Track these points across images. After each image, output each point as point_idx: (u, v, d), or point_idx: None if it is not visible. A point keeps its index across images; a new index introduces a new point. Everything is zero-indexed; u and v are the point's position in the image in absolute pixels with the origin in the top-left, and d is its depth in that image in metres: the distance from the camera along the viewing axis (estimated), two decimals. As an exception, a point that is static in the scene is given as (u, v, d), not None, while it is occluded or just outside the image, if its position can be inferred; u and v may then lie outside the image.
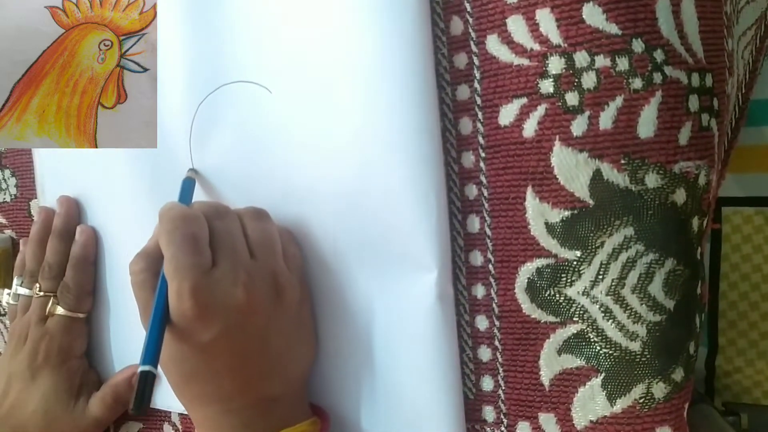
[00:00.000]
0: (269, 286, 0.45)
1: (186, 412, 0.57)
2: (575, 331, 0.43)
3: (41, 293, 0.59)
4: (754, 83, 0.52)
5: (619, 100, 0.40)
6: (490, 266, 0.45)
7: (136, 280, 0.46)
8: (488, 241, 0.45)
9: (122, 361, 0.61)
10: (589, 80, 0.40)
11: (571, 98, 0.40)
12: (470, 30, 0.43)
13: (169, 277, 0.42)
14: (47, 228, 0.61)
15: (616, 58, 0.39)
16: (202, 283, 0.42)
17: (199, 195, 0.53)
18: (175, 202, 0.47)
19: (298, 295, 0.47)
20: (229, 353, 0.44)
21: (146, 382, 0.40)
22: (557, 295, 0.43)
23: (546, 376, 0.44)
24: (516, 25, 0.41)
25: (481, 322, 0.46)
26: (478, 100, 0.43)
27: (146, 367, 0.41)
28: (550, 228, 0.42)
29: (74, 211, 0.62)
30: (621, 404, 0.42)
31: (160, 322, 0.43)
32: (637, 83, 0.39)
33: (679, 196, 0.40)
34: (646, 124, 0.39)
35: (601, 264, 0.41)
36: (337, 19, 0.46)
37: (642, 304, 0.41)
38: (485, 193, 0.44)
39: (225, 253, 0.44)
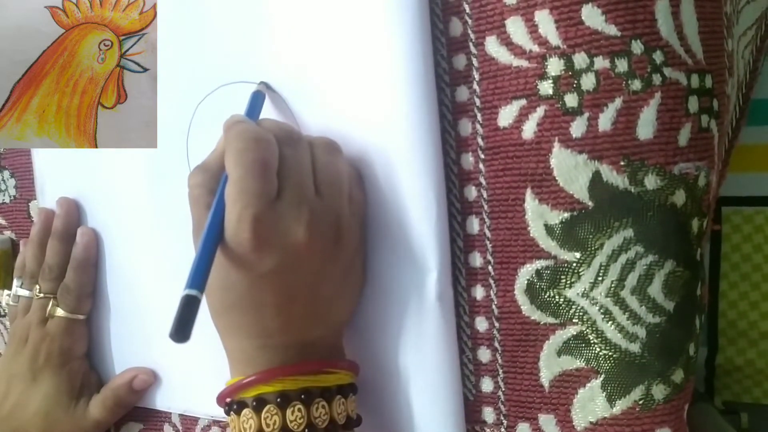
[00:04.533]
0: (331, 228, 0.43)
1: (187, 413, 0.58)
2: (575, 333, 0.43)
3: (41, 295, 0.59)
4: (755, 83, 0.52)
5: (618, 102, 0.39)
6: (490, 268, 0.45)
7: (192, 193, 0.44)
8: (488, 242, 0.45)
9: (123, 362, 0.61)
10: (588, 82, 0.40)
11: (571, 100, 0.40)
12: (469, 31, 0.43)
13: (232, 200, 0.40)
14: (47, 229, 0.61)
15: (616, 60, 0.39)
16: (266, 214, 0.40)
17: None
18: (243, 117, 0.45)
19: (357, 241, 0.46)
20: (277, 290, 0.42)
21: (191, 308, 0.38)
22: (557, 297, 0.43)
23: (546, 377, 0.44)
24: (515, 27, 0.41)
25: (481, 324, 0.46)
26: (478, 102, 0.43)
27: (193, 292, 0.38)
28: (549, 229, 0.42)
29: (74, 212, 0.62)
30: (621, 406, 0.42)
31: (212, 244, 0.40)
32: (636, 84, 0.39)
33: (679, 197, 0.40)
34: (646, 126, 0.39)
35: (601, 265, 0.41)
36: (337, 21, 0.46)
37: (642, 306, 0.41)
38: (485, 195, 0.44)
39: (292, 186, 0.41)
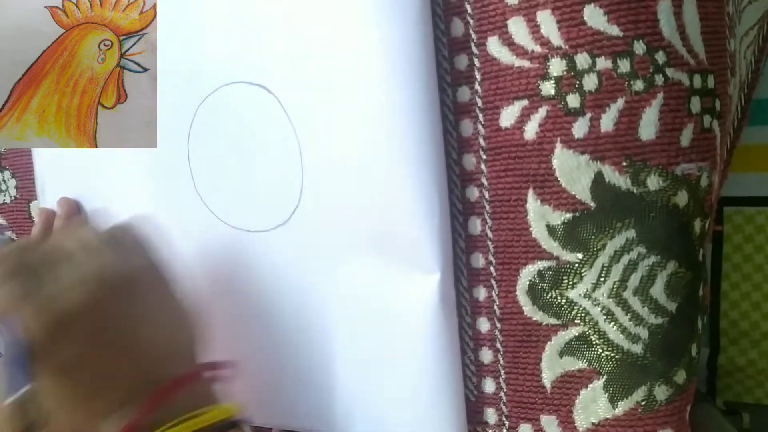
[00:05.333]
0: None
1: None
2: (577, 334, 0.43)
3: (41, 294, 0.59)
4: (757, 83, 0.52)
5: (620, 102, 0.39)
6: (492, 268, 0.45)
7: None
8: (489, 243, 0.44)
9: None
10: (590, 82, 0.40)
11: (573, 100, 0.40)
12: (471, 31, 0.43)
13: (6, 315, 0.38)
14: (48, 229, 0.61)
15: (618, 60, 0.39)
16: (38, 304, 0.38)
17: (194, 197, 0.53)
18: None
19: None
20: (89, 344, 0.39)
21: None
22: (559, 298, 0.43)
23: (548, 378, 0.44)
24: (517, 27, 0.41)
25: (483, 325, 0.46)
26: (479, 102, 0.43)
27: None
28: (551, 230, 0.42)
29: (75, 212, 0.61)
30: (623, 406, 0.42)
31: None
32: (638, 85, 0.39)
33: (681, 198, 0.40)
34: (648, 126, 0.39)
35: (603, 266, 0.41)
36: (338, 21, 0.45)
37: (644, 307, 0.41)
38: (486, 195, 0.44)
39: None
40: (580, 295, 0.42)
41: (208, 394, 0.43)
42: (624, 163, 0.40)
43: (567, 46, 0.40)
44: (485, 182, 0.44)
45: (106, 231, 0.44)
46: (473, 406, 0.47)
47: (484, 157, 0.44)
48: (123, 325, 0.41)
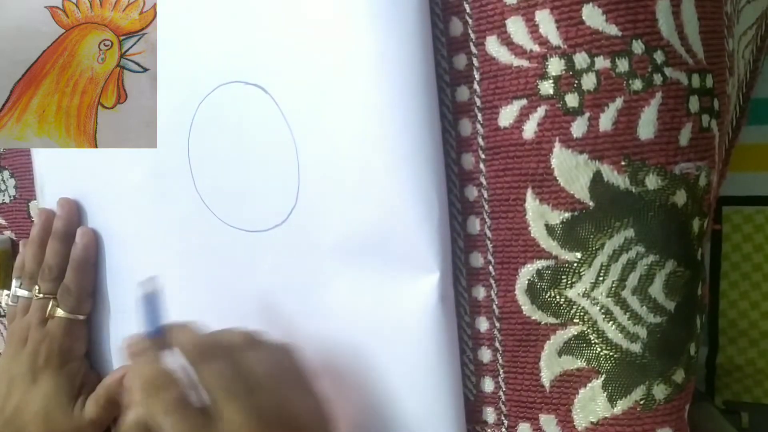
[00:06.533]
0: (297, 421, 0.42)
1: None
2: (576, 333, 0.43)
3: (41, 295, 0.59)
4: (755, 82, 0.52)
5: (619, 102, 0.39)
6: (491, 268, 0.45)
7: None
8: (488, 242, 0.44)
9: (122, 362, 0.60)
10: (589, 81, 0.40)
11: (571, 100, 0.40)
12: (470, 31, 0.43)
13: None
14: (47, 230, 0.61)
15: (616, 60, 0.39)
16: None
17: (194, 197, 0.53)
18: (144, 346, 0.44)
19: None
20: None
21: None
22: (558, 297, 0.43)
23: (546, 377, 0.44)
24: (515, 26, 0.41)
25: (482, 324, 0.46)
26: (478, 102, 0.43)
27: None
28: (550, 230, 0.42)
29: (75, 213, 0.62)
30: (622, 406, 0.42)
31: None
32: (637, 84, 0.39)
33: (680, 197, 0.40)
34: (647, 126, 0.39)
35: (602, 266, 0.41)
36: (336, 20, 0.45)
37: (642, 306, 0.41)
38: (485, 195, 0.44)
39: (222, 402, 0.40)
40: (578, 294, 0.42)
41: None
42: (622, 163, 0.40)
43: (565, 46, 0.40)
44: (484, 182, 0.44)
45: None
46: (472, 405, 0.47)
47: (482, 156, 0.44)
48: None
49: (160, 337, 0.44)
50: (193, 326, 0.45)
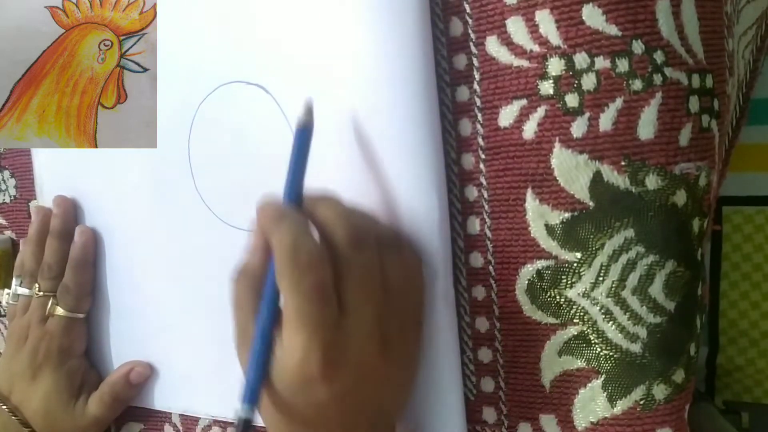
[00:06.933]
0: (401, 339, 0.41)
1: (187, 413, 0.58)
2: (576, 333, 0.43)
3: (41, 293, 0.59)
4: (755, 82, 0.52)
5: (619, 102, 0.39)
6: (491, 268, 0.45)
7: (237, 298, 0.42)
8: (488, 242, 0.44)
9: (122, 359, 0.61)
10: (589, 82, 0.40)
11: (571, 100, 0.40)
12: (470, 31, 0.43)
13: (294, 327, 0.37)
14: (45, 227, 0.61)
15: (616, 60, 0.39)
16: (334, 339, 0.37)
17: (194, 197, 0.53)
18: (285, 210, 0.40)
19: (420, 342, 0.44)
20: (346, 410, 0.40)
21: (247, 429, 0.38)
22: (558, 297, 0.43)
23: (546, 377, 0.44)
24: (515, 27, 0.41)
25: (482, 324, 0.46)
26: (478, 102, 0.43)
27: (245, 412, 0.38)
28: (550, 230, 0.42)
29: (71, 210, 0.62)
30: (621, 406, 0.42)
31: (266, 357, 0.39)
32: (637, 84, 0.39)
33: (680, 197, 0.40)
34: (647, 126, 0.39)
35: (602, 266, 0.41)
36: (337, 20, 0.46)
37: (642, 306, 0.41)
38: (485, 195, 0.44)
39: (358, 299, 0.38)
40: (578, 294, 0.42)
41: None
42: (622, 163, 0.40)
43: (566, 46, 0.40)
44: (484, 182, 0.44)
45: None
46: (472, 405, 0.47)
47: (482, 156, 0.44)
48: (383, 388, 0.41)
49: (298, 204, 0.41)
50: (340, 200, 0.42)
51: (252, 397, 0.38)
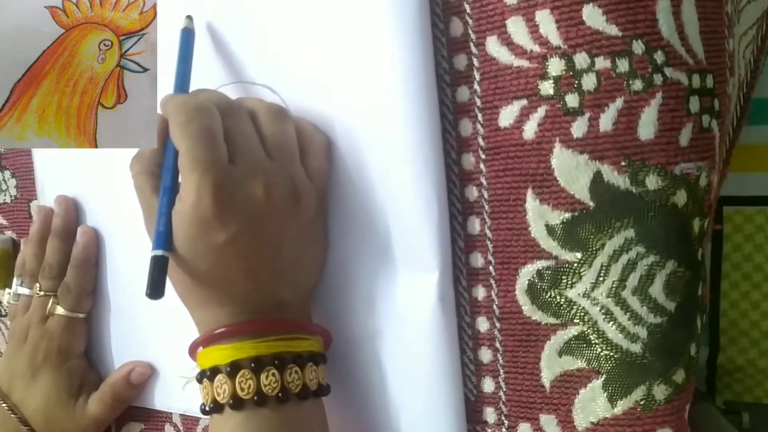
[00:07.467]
0: (287, 190, 0.43)
1: (188, 413, 0.58)
2: (576, 333, 0.43)
3: (41, 293, 0.59)
4: (756, 82, 0.52)
5: (619, 102, 0.39)
6: (491, 268, 0.45)
7: (136, 182, 0.46)
8: (489, 242, 0.44)
9: (122, 360, 0.61)
10: (589, 82, 0.40)
11: (571, 100, 0.40)
12: (470, 31, 0.43)
13: (187, 170, 0.41)
14: (47, 227, 0.61)
15: (617, 60, 0.39)
16: (223, 179, 0.41)
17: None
18: (178, 94, 0.47)
19: (315, 205, 0.46)
20: (244, 254, 0.43)
21: (161, 267, 0.41)
22: (558, 297, 0.43)
23: (547, 377, 0.44)
24: (516, 27, 0.41)
25: (482, 324, 0.46)
26: (478, 102, 0.43)
27: (158, 252, 0.42)
28: (550, 230, 0.42)
29: (73, 210, 0.62)
30: (622, 406, 0.42)
31: (168, 207, 0.43)
32: (637, 85, 0.39)
33: (680, 197, 0.40)
34: (647, 126, 0.39)
35: (602, 266, 0.41)
36: (337, 20, 0.46)
37: (643, 306, 0.41)
38: (485, 195, 0.44)
39: (242, 151, 0.42)
40: (579, 294, 0.42)
41: (308, 315, 0.48)
42: (623, 163, 0.40)
43: (566, 46, 0.40)
44: (484, 182, 0.44)
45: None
46: (472, 405, 0.47)
47: (483, 156, 0.44)
48: (282, 234, 0.44)
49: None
50: (213, 90, 0.47)
51: (162, 242, 0.42)
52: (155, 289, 0.41)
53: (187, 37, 0.50)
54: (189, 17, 0.51)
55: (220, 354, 0.43)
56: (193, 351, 0.45)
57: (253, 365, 0.42)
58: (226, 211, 0.41)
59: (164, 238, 0.42)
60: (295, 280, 0.46)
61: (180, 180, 0.42)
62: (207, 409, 0.44)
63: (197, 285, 0.44)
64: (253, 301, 0.44)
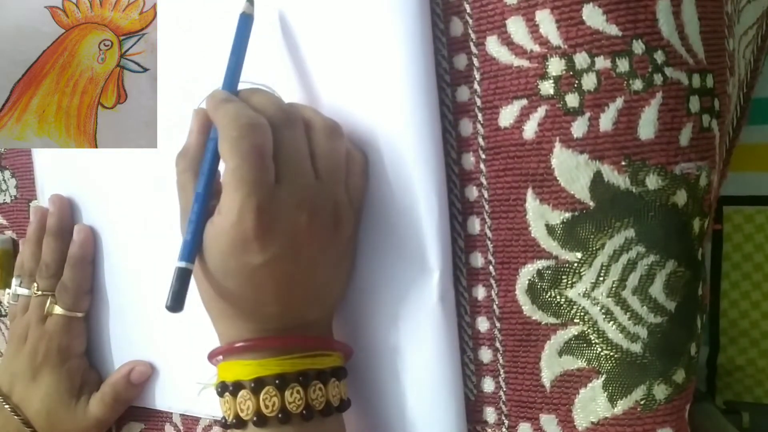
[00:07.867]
0: (329, 218, 0.43)
1: (188, 413, 0.58)
2: (576, 333, 0.43)
3: (39, 292, 0.59)
4: (756, 82, 0.52)
5: (619, 102, 0.39)
6: (491, 268, 0.45)
7: (179, 180, 0.45)
8: (489, 242, 0.44)
9: (122, 360, 0.61)
10: (589, 81, 0.40)
11: (572, 100, 0.40)
12: (470, 31, 0.43)
13: (232, 188, 0.40)
14: (43, 227, 0.61)
15: (617, 60, 0.39)
16: (268, 202, 0.40)
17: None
18: (228, 95, 0.44)
19: (352, 228, 0.45)
20: (276, 279, 0.42)
21: (185, 280, 0.40)
22: (558, 297, 0.43)
23: (547, 377, 0.44)
24: (516, 27, 0.41)
25: (482, 324, 0.46)
26: (478, 102, 0.43)
27: (183, 264, 0.41)
28: (550, 230, 0.42)
29: (67, 208, 0.62)
30: (622, 406, 0.42)
31: (203, 218, 0.42)
32: (637, 84, 0.39)
33: (680, 197, 0.40)
34: (647, 126, 0.39)
35: (602, 266, 0.41)
36: (337, 20, 0.46)
37: (643, 306, 0.41)
38: (486, 195, 0.44)
39: (291, 171, 0.41)
40: (579, 294, 0.42)
41: (331, 331, 0.48)
42: (623, 163, 0.40)
43: (566, 46, 0.40)
44: (484, 182, 0.44)
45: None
46: (473, 405, 0.47)
47: (483, 156, 0.44)
48: (318, 259, 0.44)
49: (234, 94, 0.45)
50: (269, 92, 0.45)
51: (189, 254, 0.41)
52: (176, 302, 0.40)
53: (245, 23, 0.46)
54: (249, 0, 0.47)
55: (244, 369, 0.43)
56: (212, 357, 0.45)
57: (277, 382, 0.42)
58: (266, 234, 0.40)
59: (190, 248, 0.41)
60: (324, 301, 0.46)
61: (218, 185, 0.42)
62: (229, 423, 0.43)
63: (224, 298, 0.43)
64: (280, 321, 0.44)
